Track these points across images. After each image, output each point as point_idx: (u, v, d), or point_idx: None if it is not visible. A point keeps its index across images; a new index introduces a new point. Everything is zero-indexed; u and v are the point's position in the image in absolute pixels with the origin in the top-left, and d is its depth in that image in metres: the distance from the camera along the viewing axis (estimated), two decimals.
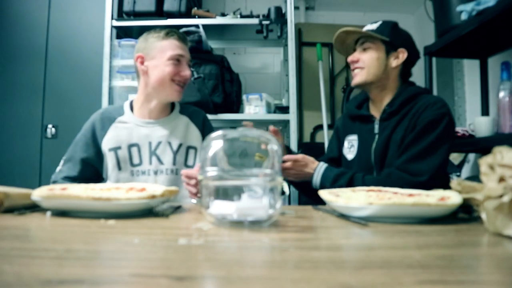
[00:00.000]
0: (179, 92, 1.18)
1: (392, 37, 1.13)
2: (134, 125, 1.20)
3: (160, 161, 1.17)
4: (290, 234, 0.52)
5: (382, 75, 1.13)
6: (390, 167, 1.06)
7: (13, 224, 0.54)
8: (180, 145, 1.20)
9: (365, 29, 1.17)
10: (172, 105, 1.28)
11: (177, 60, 1.16)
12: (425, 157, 1.01)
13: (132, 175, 1.16)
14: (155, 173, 1.16)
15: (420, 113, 1.06)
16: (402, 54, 1.13)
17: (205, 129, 1.26)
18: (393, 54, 1.14)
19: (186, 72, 1.18)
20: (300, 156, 1.11)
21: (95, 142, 1.17)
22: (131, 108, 1.23)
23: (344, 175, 1.07)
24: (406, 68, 1.16)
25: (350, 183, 1.04)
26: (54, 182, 1.15)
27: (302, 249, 0.43)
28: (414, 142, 1.04)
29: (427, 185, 0.90)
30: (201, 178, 0.57)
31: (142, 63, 1.18)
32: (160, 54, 1.16)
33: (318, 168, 1.11)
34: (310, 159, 1.12)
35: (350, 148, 1.21)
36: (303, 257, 0.39)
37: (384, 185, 0.91)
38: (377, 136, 1.14)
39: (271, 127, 1.10)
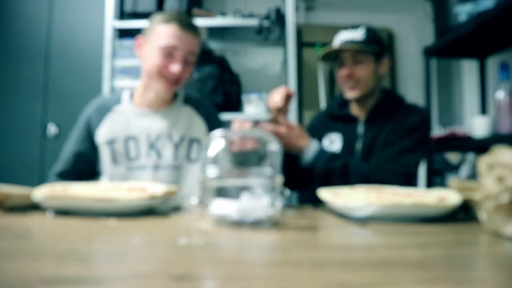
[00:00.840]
0: (167, 89, 1.06)
1: (379, 46, 1.14)
2: (132, 115, 1.10)
3: (159, 155, 1.08)
4: (290, 234, 0.53)
5: (375, 85, 1.15)
6: (377, 159, 1.08)
7: (14, 224, 0.55)
8: (182, 138, 1.11)
9: (348, 37, 1.13)
10: (175, 94, 1.17)
11: (168, 51, 1.02)
12: (412, 151, 1.07)
13: (128, 170, 1.07)
14: (154, 168, 1.07)
15: (406, 117, 1.12)
16: (387, 61, 1.17)
17: (212, 120, 1.16)
18: (381, 62, 1.15)
19: (175, 67, 1.02)
20: (296, 126, 1.07)
21: (90, 134, 1.09)
22: (132, 97, 1.14)
23: (340, 157, 1.06)
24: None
25: (345, 168, 1.03)
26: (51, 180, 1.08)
27: (302, 248, 0.44)
28: (401, 139, 1.08)
29: (412, 177, 1.07)
30: (201, 178, 0.57)
31: (139, 46, 1.08)
32: (155, 40, 1.03)
33: (312, 145, 1.07)
34: (304, 132, 1.08)
35: (331, 146, 1.19)
36: (303, 256, 0.40)
37: (377, 175, 1.01)
38: (361, 137, 1.15)
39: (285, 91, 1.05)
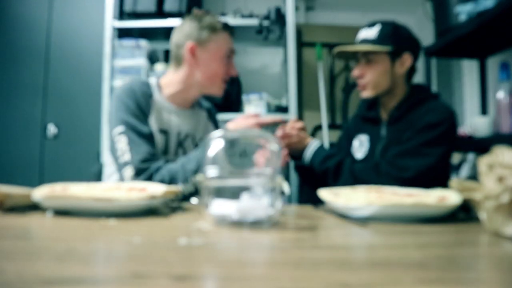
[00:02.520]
0: (224, 88, 1.13)
1: (396, 43, 1.08)
2: (165, 109, 1.09)
3: (185, 154, 1.08)
4: (290, 234, 0.52)
5: (390, 85, 1.10)
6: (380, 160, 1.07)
7: (14, 224, 0.55)
8: (200, 140, 1.15)
9: (363, 36, 1.11)
10: None
11: (228, 57, 1.10)
12: (414, 154, 1.01)
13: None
14: None
15: (423, 116, 1.05)
16: (408, 59, 1.10)
17: (217, 128, 1.23)
18: (399, 60, 1.09)
19: (234, 70, 1.13)
20: (294, 133, 1.10)
21: (146, 118, 1.03)
22: (160, 90, 1.11)
23: (333, 157, 1.07)
24: (411, 68, 1.14)
25: (338, 167, 1.05)
26: (142, 170, 0.93)
27: (302, 249, 0.44)
28: (407, 140, 1.04)
29: (412, 183, 0.91)
30: (201, 178, 0.57)
31: (193, 53, 1.07)
32: (215, 47, 1.07)
33: (309, 145, 1.11)
34: (303, 135, 1.12)
35: (360, 147, 1.20)
36: (303, 256, 0.39)
37: (370, 176, 0.97)
38: (383, 139, 1.13)
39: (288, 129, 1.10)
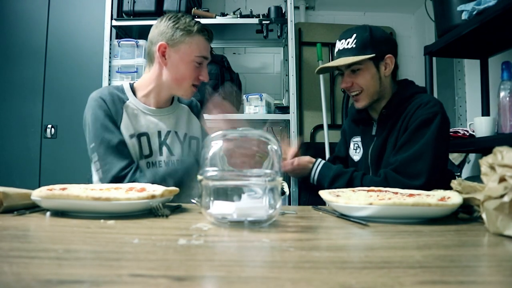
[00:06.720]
0: (193, 92, 1.13)
1: (376, 49, 1.09)
2: (141, 112, 1.10)
3: (170, 151, 1.11)
4: (290, 234, 0.52)
5: (380, 88, 1.13)
6: (386, 167, 1.07)
7: (12, 225, 0.54)
8: (185, 135, 1.15)
9: (340, 46, 1.12)
10: None
11: (200, 62, 1.09)
12: (420, 158, 1.01)
13: (147, 167, 1.07)
14: (167, 164, 1.09)
15: (412, 113, 1.06)
16: (390, 60, 1.12)
17: (201, 120, 1.23)
18: (382, 63, 1.12)
19: (205, 76, 1.11)
20: (296, 163, 1.13)
21: (116, 126, 1.04)
22: (133, 92, 1.13)
23: (343, 176, 1.08)
24: (394, 67, 1.15)
25: (349, 184, 1.05)
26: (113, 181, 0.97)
27: (302, 249, 0.43)
28: (408, 142, 1.04)
29: (425, 188, 0.90)
30: (201, 178, 0.57)
31: (163, 53, 1.07)
32: (186, 49, 1.06)
33: (315, 167, 1.13)
34: (305, 160, 1.14)
35: (356, 149, 1.23)
36: (303, 257, 0.39)
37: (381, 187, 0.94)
38: (374, 138, 1.16)
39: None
